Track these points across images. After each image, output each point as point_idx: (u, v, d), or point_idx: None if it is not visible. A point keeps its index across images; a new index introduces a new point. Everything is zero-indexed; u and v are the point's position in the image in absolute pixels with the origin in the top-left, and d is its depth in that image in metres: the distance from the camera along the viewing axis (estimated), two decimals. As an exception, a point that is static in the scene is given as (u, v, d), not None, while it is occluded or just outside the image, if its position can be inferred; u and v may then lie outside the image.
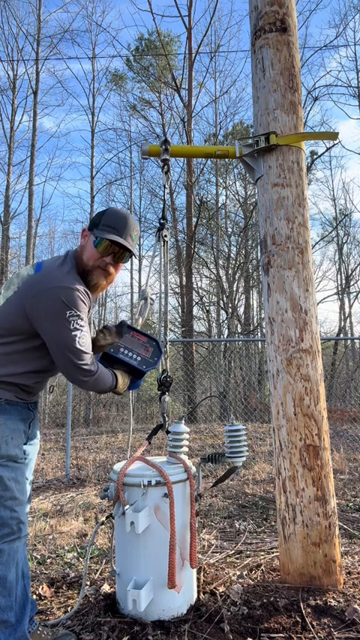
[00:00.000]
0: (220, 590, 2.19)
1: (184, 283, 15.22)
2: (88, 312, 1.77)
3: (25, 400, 1.73)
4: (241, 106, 29.69)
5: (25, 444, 1.73)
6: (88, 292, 1.73)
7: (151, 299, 2.38)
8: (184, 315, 15.08)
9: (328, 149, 16.46)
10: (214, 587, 2.23)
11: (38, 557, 2.93)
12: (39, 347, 1.70)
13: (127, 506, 1.88)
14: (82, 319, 1.66)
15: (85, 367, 1.69)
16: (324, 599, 2.04)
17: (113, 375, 1.89)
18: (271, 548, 2.86)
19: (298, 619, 1.91)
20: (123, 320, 2.06)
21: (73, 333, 1.63)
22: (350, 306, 21.57)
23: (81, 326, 1.65)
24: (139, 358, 1.99)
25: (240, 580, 2.32)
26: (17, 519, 1.66)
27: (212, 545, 3.01)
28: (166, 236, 2.45)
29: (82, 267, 1.80)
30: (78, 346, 1.65)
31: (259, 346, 16.75)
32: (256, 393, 13.51)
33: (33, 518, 3.77)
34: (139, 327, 2.19)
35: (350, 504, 3.99)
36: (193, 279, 15.83)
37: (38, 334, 1.67)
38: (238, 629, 1.88)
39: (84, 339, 1.67)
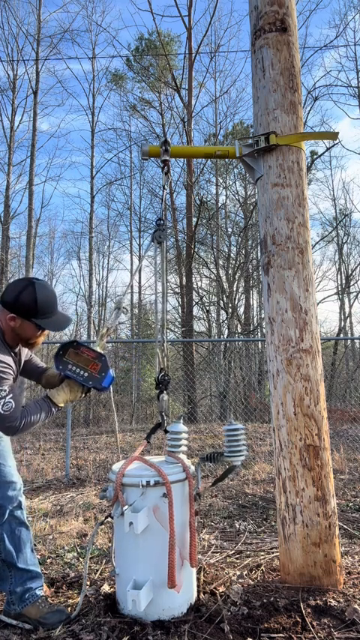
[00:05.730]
0: (220, 590, 2.19)
1: (184, 283, 15.21)
2: (19, 364, 2.09)
3: None
4: (241, 106, 29.76)
5: None
6: (11, 359, 1.94)
7: (125, 309, 2.45)
8: (184, 315, 15.08)
9: (328, 149, 16.48)
10: (214, 587, 2.23)
11: (38, 557, 2.93)
12: None
13: (126, 507, 1.88)
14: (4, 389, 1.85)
15: (9, 426, 1.88)
16: (324, 599, 2.04)
17: (46, 401, 2.00)
18: (271, 548, 2.86)
19: (298, 619, 1.91)
20: (75, 340, 2.19)
21: None
22: (350, 306, 21.59)
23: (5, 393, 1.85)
24: (85, 374, 2.07)
25: (240, 580, 2.32)
26: None
27: (212, 545, 3.01)
28: (161, 237, 2.45)
29: (12, 341, 2.00)
30: (1, 412, 1.84)
31: (259, 346, 16.74)
32: (256, 393, 13.52)
33: (33, 518, 3.76)
34: (108, 335, 2.28)
35: (350, 504, 3.99)
36: (193, 279, 15.82)
37: None
38: (238, 629, 1.88)
39: (7, 406, 1.85)
